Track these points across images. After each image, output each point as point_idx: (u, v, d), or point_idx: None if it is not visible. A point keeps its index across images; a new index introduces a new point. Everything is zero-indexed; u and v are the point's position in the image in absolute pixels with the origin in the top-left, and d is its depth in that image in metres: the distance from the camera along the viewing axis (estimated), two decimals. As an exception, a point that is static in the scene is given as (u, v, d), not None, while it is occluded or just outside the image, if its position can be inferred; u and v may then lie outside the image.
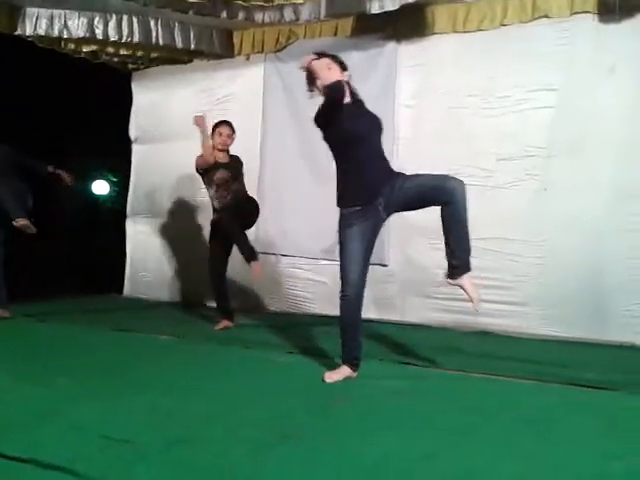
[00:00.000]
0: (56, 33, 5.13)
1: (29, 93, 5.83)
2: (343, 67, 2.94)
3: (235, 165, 4.43)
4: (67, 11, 5.10)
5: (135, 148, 6.52)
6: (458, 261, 2.79)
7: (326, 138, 2.92)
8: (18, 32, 5.11)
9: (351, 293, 2.81)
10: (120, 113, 6.40)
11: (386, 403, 2.52)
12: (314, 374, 2.92)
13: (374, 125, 2.94)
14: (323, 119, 2.86)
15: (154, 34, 5.27)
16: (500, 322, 4.51)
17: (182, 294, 6.15)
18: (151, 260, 6.34)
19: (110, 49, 5.62)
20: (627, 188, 4.24)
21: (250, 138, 5.40)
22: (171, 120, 6.11)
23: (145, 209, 6.40)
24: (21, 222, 4.38)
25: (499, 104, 4.66)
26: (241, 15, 4.95)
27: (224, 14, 4.84)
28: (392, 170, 2.91)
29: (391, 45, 5.08)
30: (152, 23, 5.25)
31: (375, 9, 4.45)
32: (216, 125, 4.39)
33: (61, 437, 2.00)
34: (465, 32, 4.80)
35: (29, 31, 5.11)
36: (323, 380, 2.83)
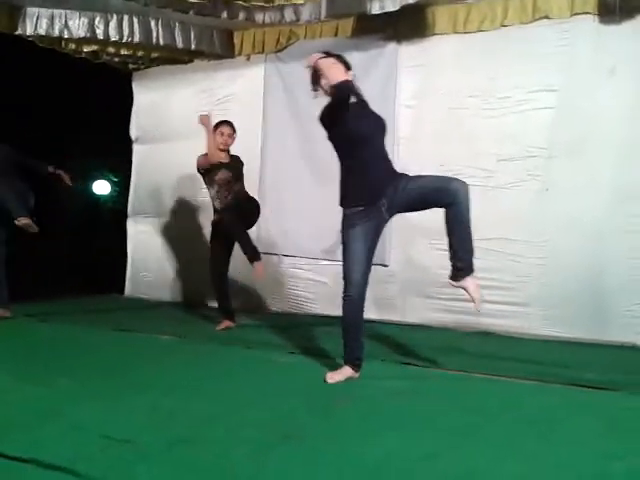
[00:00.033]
0: (57, 33, 5.13)
1: (30, 93, 5.85)
2: (347, 67, 2.93)
3: (236, 165, 4.43)
4: (68, 11, 5.10)
5: (136, 148, 6.52)
6: (462, 263, 2.79)
7: (330, 138, 2.92)
8: (19, 32, 5.11)
9: (354, 293, 2.81)
10: (121, 113, 6.41)
11: (388, 403, 2.52)
12: (316, 374, 2.92)
13: (378, 126, 2.94)
14: (329, 119, 2.85)
15: (155, 34, 5.28)
16: (502, 322, 4.51)
17: (183, 294, 6.16)
18: (152, 260, 6.35)
19: (111, 49, 5.63)
20: (627, 189, 4.25)
21: (251, 138, 5.40)
22: (172, 120, 6.12)
23: (146, 209, 6.40)
24: (23, 221, 4.38)
25: (499, 105, 4.66)
26: (242, 15, 4.96)
27: (225, 14, 4.84)
28: (395, 171, 2.91)
29: (392, 46, 5.08)
30: (153, 23, 5.25)
31: (376, 10, 4.46)
32: (217, 125, 4.39)
33: (62, 437, 2.00)
34: (465, 33, 4.80)
35: (30, 31, 5.11)
36: (325, 380, 2.83)
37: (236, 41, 5.74)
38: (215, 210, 4.43)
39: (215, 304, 4.72)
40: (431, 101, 4.95)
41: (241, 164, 4.48)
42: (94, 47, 5.60)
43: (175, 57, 5.90)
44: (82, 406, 2.35)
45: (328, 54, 2.92)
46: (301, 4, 4.75)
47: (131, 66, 6.25)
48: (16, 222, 4.38)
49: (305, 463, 1.82)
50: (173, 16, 5.07)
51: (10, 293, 4.65)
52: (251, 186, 4.82)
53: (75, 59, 5.74)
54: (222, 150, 4.37)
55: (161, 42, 5.31)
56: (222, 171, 4.33)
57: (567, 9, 4.43)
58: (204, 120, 4.34)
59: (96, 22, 5.14)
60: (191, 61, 6.02)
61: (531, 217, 4.52)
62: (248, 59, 5.79)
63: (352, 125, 2.82)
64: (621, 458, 1.88)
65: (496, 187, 4.59)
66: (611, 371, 3.19)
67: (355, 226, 2.80)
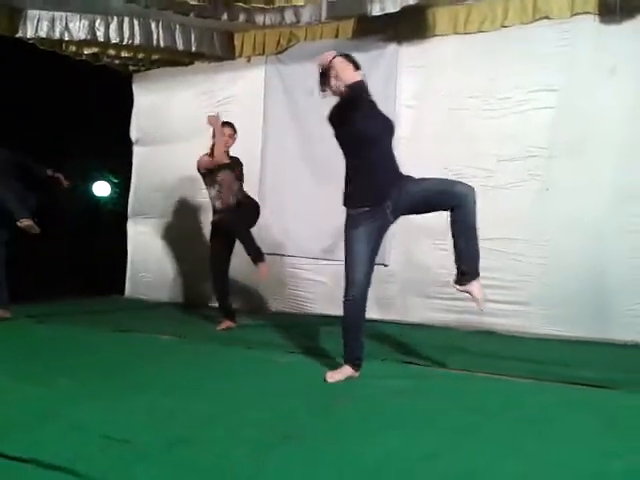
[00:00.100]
0: (57, 35, 5.14)
1: (31, 95, 5.86)
2: (357, 66, 2.92)
3: (237, 166, 4.44)
4: (68, 13, 5.11)
5: (136, 150, 6.53)
6: (467, 267, 2.78)
7: (338, 137, 2.90)
8: (19, 34, 5.12)
9: (356, 294, 2.81)
10: (121, 115, 6.42)
11: (388, 403, 2.52)
12: (316, 374, 2.92)
13: (386, 127, 2.94)
14: (339, 118, 2.84)
15: (155, 36, 5.28)
16: (503, 322, 4.51)
17: (183, 295, 6.16)
18: (152, 261, 6.35)
19: (111, 51, 5.64)
20: (628, 189, 4.25)
21: (251, 140, 5.41)
22: (172, 122, 6.13)
23: (146, 210, 6.41)
24: (25, 222, 4.39)
25: (500, 105, 4.66)
26: (242, 17, 4.96)
27: (225, 16, 4.85)
28: (401, 173, 2.90)
29: (392, 47, 5.09)
30: (153, 25, 5.26)
31: (376, 11, 4.46)
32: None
33: (62, 437, 2.00)
34: (466, 34, 4.81)
35: (30, 33, 5.12)
36: (325, 380, 2.83)
37: (236, 43, 5.75)
38: (215, 210, 4.43)
39: (215, 304, 4.72)
40: (431, 102, 4.95)
41: (241, 165, 4.49)
42: (95, 49, 5.61)
43: (176, 59, 5.91)
44: (82, 406, 2.35)
45: (340, 54, 2.90)
46: (301, 6, 4.75)
47: (131, 68, 6.27)
48: (18, 224, 4.39)
49: (305, 463, 1.82)
50: (174, 18, 5.09)
51: (10, 294, 4.66)
52: (251, 187, 4.83)
53: (76, 61, 5.75)
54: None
55: (162, 44, 5.32)
56: (224, 172, 4.33)
57: (567, 9, 4.44)
58: (212, 121, 4.33)
59: (97, 24, 5.15)
60: (191, 63, 6.03)
61: (532, 217, 4.52)
62: (248, 61, 5.79)
63: (361, 125, 2.81)
64: (620, 456, 1.88)
65: (497, 187, 4.59)
66: (611, 370, 3.19)
67: (358, 227, 2.80)
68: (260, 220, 4.57)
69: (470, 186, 2.76)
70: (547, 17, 4.52)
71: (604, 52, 4.34)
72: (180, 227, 6.11)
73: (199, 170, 4.41)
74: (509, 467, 1.80)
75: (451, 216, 2.77)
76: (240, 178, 4.44)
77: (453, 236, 2.79)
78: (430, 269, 4.78)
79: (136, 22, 5.19)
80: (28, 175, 4.73)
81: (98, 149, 6.37)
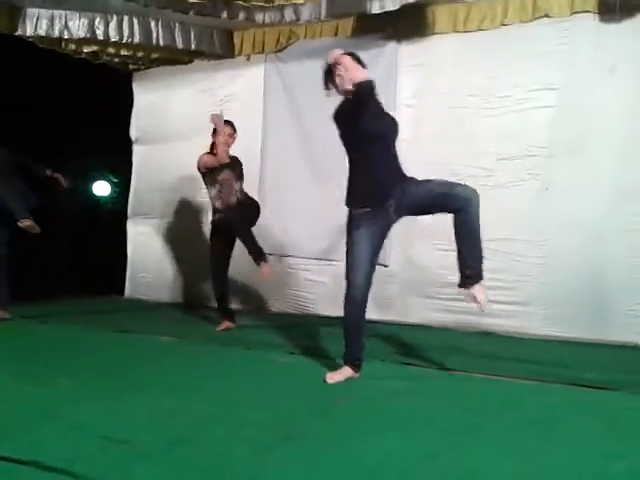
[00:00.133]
0: (57, 34, 5.13)
1: (30, 93, 5.85)
2: (363, 65, 2.88)
3: (237, 165, 4.43)
4: (68, 12, 5.10)
5: (136, 149, 6.52)
6: (471, 270, 2.76)
7: (343, 135, 2.88)
8: (19, 32, 5.11)
9: (356, 295, 2.80)
10: (121, 114, 6.41)
11: (387, 403, 2.51)
12: (315, 375, 2.92)
13: (391, 126, 2.92)
14: (347, 117, 2.81)
15: (155, 35, 5.28)
16: (502, 322, 4.50)
17: (183, 295, 6.15)
18: (152, 261, 6.34)
19: (111, 50, 5.62)
20: (628, 188, 4.24)
21: (251, 138, 5.40)
22: (172, 121, 6.12)
23: (146, 210, 6.40)
24: (26, 223, 4.38)
25: (500, 104, 4.66)
26: (241, 15, 4.95)
27: (224, 14, 4.84)
28: (404, 174, 2.89)
29: (392, 45, 5.08)
30: (153, 24, 5.25)
31: (376, 9, 4.45)
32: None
33: (62, 437, 2.00)
34: (466, 32, 4.80)
35: (30, 32, 5.11)
36: (324, 381, 2.83)
37: (236, 41, 5.74)
38: (215, 210, 4.42)
39: (215, 305, 4.71)
40: (431, 100, 4.95)
41: (241, 164, 4.48)
42: (94, 48, 5.60)
43: (175, 57, 5.90)
44: (82, 406, 2.35)
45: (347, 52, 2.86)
46: (301, 4, 4.75)
47: (131, 67, 6.25)
48: (19, 224, 4.39)
49: (305, 463, 1.82)
50: (173, 16, 5.07)
51: (10, 294, 4.65)
52: (251, 186, 4.82)
53: (75, 60, 5.74)
54: (223, 150, 4.37)
55: (161, 42, 5.31)
56: (225, 171, 4.32)
57: (567, 7, 4.43)
58: (215, 119, 4.32)
59: (96, 23, 5.14)
60: (191, 61, 6.02)
61: (531, 216, 4.51)
62: (248, 59, 5.78)
63: (370, 124, 2.79)
64: (621, 458, 1.88)
65: (496, 186, 4.58)
66: (611, 371, 3.19)
67: (360, 227, 2.78)
68: (260, 220, 4.57)
69: (473, 189, 2.75)
70: (547, 15, 4.51)
71: (604, 51, 4.33)
72: (180, 227, 6.11)
73: (199, 169, 4.40)
74: (509, 468, 1.80)
75: (454, 219, 2.76)
76: (240, 177, 4.44)
77: (456, 239, 2.78)
78: (430, 269, 4.78)
79: (135, 20, 5.18)
80: (28, 175, 4.73)
81: (97, 148, 6.37)
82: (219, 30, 5.58)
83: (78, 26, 5.12)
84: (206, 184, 4.43)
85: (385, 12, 4.46)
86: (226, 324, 4.47)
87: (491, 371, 3.10)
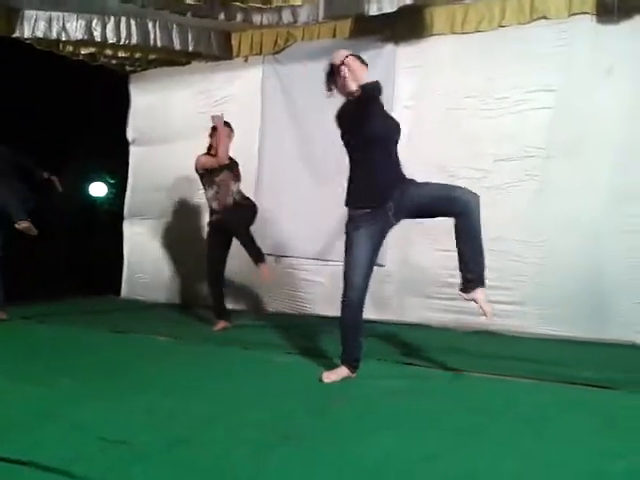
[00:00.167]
0: (54, 35, 5.13)
1: (26, 95, 5.83)
2: (365, 66, 2.87)
3: (235, 166, 4.43)
4: (65, 13, 5.09)
5: (133, 150, 6.51)
6: (472, 275, 2.75)
7: (345, 137, 2.87)
8: (16, 34, 5.11)
9: (354, 297, 2.80)
10: (118, 115, 6.40)
11: (384, 403, 2.52)
12: (313, 375, 2.92)
13: (392, 128, 2.91)
14: (351, 119, 2.81)
15: (152, 36, 5.27)
16: (500, 322, 4.49)
17: (179, 295, 6.15)
18: (148, 262, 6.34)
19: (108, 51, 5.62)
20: (625, 189, 4.25)
21: (248, 140, 5.40)
22: (169, 122, 6.12)
23: (142, 211, 6.39)
24: (23, 225, 4.38)
25: (497, 105, 4.66)
26: (239, 17, 4.95)
27: (222, 16, 4.84)
28: (404, 176, 2.88)
29: (389, 47, 5.08)
30: (150, 25, 5.25)
31: (373, 11, 4.46)
32: (215, 126, 4.38)
33: (62, 437, 2.00)
34: (463, 33, 4.81)
35: (27, 33, 5.11)
36: (320, 380, 2.83)
37: (234, 43, 5.75)
38: (212, 211, 4.42)
39: (211, 305, 4.70)
40: (429, 102, 4.95)
41: (237, 165, 4.48)
42: (91, 49, 5.59)
43: (172, 59, 5.90)
44: (82, 406, 2.35)
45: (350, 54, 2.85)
46: (299, 5, 4.74)
47: (128, 68, 6.24)
48: (16, 226, 4.38)
49: (305, 463, 1.82)
50: (170, 18, 5.08)
51: (6, 295, 4.65)
52: (248, 187, 4.82)
53: (72, 61, 5.73)
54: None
55: (158, 44, 5.31)
56: (224, 172, 4.33)
57: (565, 9, 4.44)
58: (216, 120, 4.32)
59: (93, 24, 5.13)
60: (188, 63, 6.01)
61: (529, 217, 4.52)
62: (246, 61, 5.78)
63: (372, 126, 2.78)
64: (619, 456, 1.88)
65: (494, 187, 4.58)
66: (609, 369, 3.19)
67: (359, 228, 2.78)
68: (257, 220, 4.57)
69: (474, 193, 2.74)
70: (544, 17, 4.52)
71: (601, 52, 4.34)
72: (176, 228, 6.10)
73: (197, 170, 4.40)
74: (508, 467, 1.81)
75: (455, 223, 2.75)
76: (238, 179, 4.44)
77: (457, 243, 2.76)
78: (427, 269, 4.78)
79: (133, 22, 5.18)
80: (27, 176, 4.73)
81: (94, 149, 6.36)
82: (217, 31, 5.58)
83: (76, 28, 5.12)
84: (204, 185, 4.43)
85: (383, 14, 4.46)
86: (222, 324, 4.48)
87: (489, 370, 3.10)
